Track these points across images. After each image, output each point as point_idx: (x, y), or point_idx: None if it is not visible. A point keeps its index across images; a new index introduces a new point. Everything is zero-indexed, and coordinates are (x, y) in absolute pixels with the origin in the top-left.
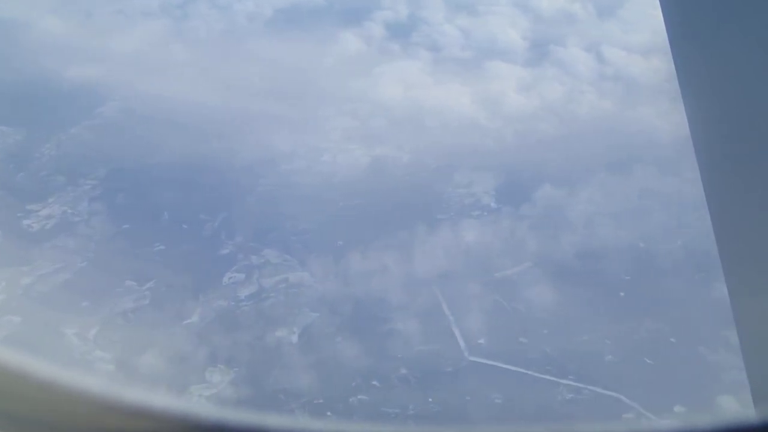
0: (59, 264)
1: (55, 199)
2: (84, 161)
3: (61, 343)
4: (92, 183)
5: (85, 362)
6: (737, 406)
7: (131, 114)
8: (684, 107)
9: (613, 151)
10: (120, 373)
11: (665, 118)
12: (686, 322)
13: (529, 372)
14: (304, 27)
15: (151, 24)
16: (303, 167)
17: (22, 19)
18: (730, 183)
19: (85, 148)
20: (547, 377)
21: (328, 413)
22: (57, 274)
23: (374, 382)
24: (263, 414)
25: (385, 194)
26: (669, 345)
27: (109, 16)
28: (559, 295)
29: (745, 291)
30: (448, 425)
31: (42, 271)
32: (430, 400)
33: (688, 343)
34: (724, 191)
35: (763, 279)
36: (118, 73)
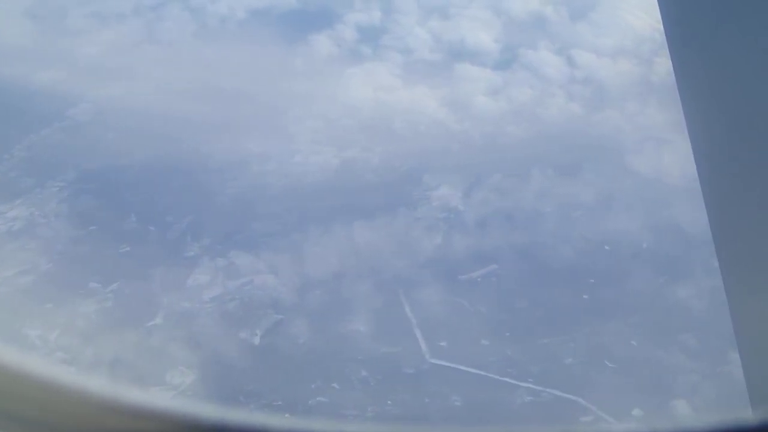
0: (24, 266)
1: (23, 200)
2: (54, 163)
3: (23, 345)
4: (60, 185)
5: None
6: (690, 410)
7: (103, 116)
8: (682, 107)
9: (575, 153)
10: (80, 374)
11: (631, 120)
12: (649, 325)
13: (490, 375)
14: (277, 29)
15: (124, 26)
16: (274, 169)
17: None
18: (728, 183)
19: (55, 149)
20: (507, 380)
21: (287, 415)
22: (21, 276)
23: (334, 384)
24: (264, 414)
25: (355, 196)
26: (630, 348)
27: (82, 18)
28: (523, 297)
29: (743, 291)
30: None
31: (6, 273)
32: (389, 402)
33: (649, 346)
34: (721, 191)
35: (761, 279)
36: (90, 74)
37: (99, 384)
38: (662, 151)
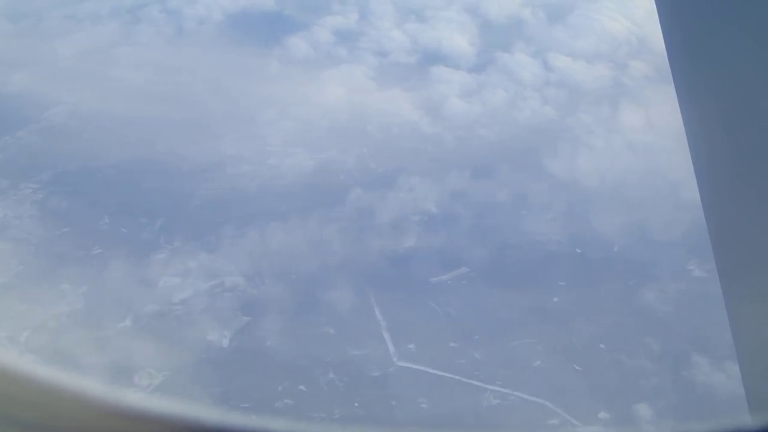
0: None
1: None
2: (29, 165)
3: None
4: (35, 186)
5: None
6: (653, 414)
7: (78, 118)
8: (679, 108)
9: (546, 154)
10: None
11: (604, 124)
12: (617, 329)
13: (457, 377)
14: (253, 31)
15: (101, 28)
16: (248, 171)
17: None
18: (726, 185)
19: (30, 151)
20: (475, 382)
21: (253, 417)
22: None
23: (301, 387)
24: (262, 417)
25: (329, 198)
26: (598, 351)
27: (59, 21)
28: (493, 300)
29: (741, 294)
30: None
31: None
32: (356, 404)
33: (616, 349)
34: (719, 193)
35: (759, 284)
36: (65, 77)
37: (99, 387)
38: (633, 151)
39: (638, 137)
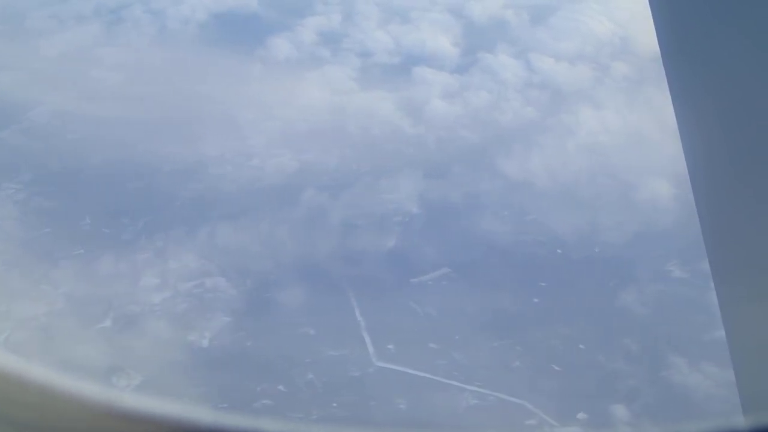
0: None
1: None
2: (10, 165)
3: None
4: (17, 187)
5: None
6: (630, 414)
7: (61, 118)
8: (673, 107)
9: (527, 156)
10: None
11: (583, 125)
12: (597, 330)
13: (436, 378)
14: (237, 32)
15: (84, 28)
16: (231, 171)
17: None
18: (720, 185)
19: (13, 152)
20: (454, 383)
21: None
22: None
23: (280, 387)
24: (258, 418)
25: (311, 199)
26: (578, 352)
27: (42, 20)
28: (474, 300)
29: (735, 296)
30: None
31: None
32: (335, 404)
33: (596, 350)
34: (713, 193)
35: (753, 284)
36: (49, 77)
37: (97, 388)
38: (611, 151)
39: (620, 137)
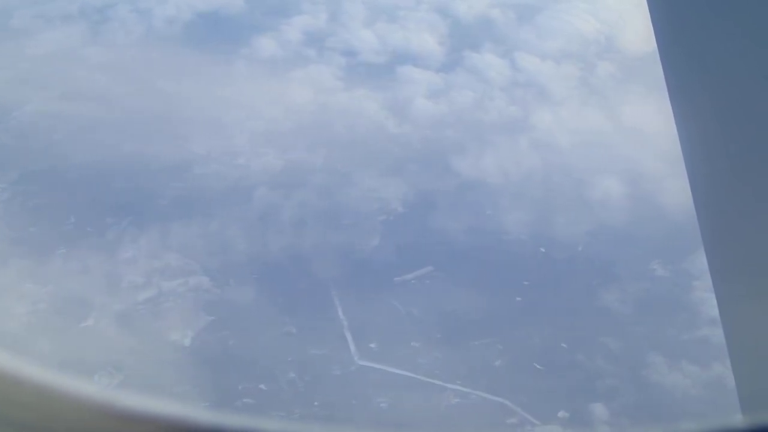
0: None
1: None
2: None
3: None
4: (1, 186)
5: None
6: (607, 413)
7: (47, 118)
8: (672, 110)
9: (511, 155)
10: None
11: (565, 124)
12: (579, 329)
13: (418, 376)
14: (223, 31)
15: (70, 27)
16: (216, 171)
17: None
18: (718, 185)
19: None
20: (436, 382)
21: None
22: None
23: (261, 386)
24: (258, 418)
25: (296, 197)
26: (560, 350)
27: (28, 20)
28: (457, 299)
29: (733, 295)
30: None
31: None
32: (316, 403)
33: (578, 349)
34: (711, 193)
35: (751, 283)
36: (34, 76)
37: (96, 389)
38: (596, 151)
39: (607, 136)
